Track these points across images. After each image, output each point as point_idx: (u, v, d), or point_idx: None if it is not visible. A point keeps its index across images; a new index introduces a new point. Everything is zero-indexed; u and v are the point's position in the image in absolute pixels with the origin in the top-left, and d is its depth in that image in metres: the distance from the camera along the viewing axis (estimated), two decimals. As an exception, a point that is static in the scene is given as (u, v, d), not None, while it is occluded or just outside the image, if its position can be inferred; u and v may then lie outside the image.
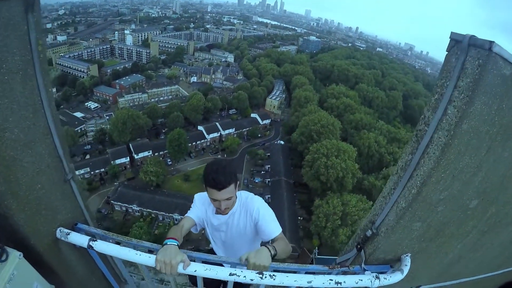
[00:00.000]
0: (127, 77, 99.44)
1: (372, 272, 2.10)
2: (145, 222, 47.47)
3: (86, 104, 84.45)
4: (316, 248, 11.00)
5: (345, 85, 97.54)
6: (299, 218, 53.99)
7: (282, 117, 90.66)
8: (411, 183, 1.87)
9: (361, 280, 2.03)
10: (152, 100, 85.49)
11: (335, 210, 43.48)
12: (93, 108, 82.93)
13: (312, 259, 10.14)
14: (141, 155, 61.88)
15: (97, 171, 57.72)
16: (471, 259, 2.73)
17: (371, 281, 2.01)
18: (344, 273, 2.46)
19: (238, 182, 2.42)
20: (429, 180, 1.78)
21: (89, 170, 56.58)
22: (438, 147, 1.69)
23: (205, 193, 2.46)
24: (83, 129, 71.55)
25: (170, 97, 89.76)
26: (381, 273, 2.15)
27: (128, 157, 60.82)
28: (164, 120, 74.43)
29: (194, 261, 2.08)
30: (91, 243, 2.03)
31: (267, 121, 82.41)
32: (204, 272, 1.90)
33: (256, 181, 62.64)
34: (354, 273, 2.31)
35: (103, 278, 2.93)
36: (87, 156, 62.47)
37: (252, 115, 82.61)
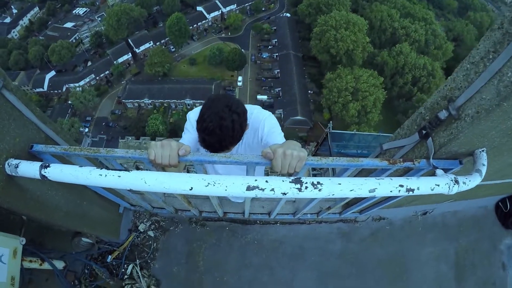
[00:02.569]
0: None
1: (449, 174, 1.52)
2: (159, 113, 49.45)
3: (73, 12, 78.44)
4: (330, 122, 10.72)
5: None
6: (310, 91, 54.17)
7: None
8: None
9: (438, 185, 1.42)
10: (143, -12, 79.11)
11: (347, 86, 43.45)
12: (82, 13, 77.52)
13: (326, 133, 9.89)
14: (142, 48, 60.39)
15: (101, 75, 57.39)
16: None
17: (449, 187, 1.43)
18: (407, 170, 1.93)
19: (244, 129, 1.73)
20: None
21: (93, 76, 56.40)
22: None
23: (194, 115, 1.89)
24: (77, 38, 68.26)
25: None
26: (458, 174, 1.54)
27: (130, 53, 59.35)
28: (159, 7, 70.14)
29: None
30: (43, 171, 1.43)
31: (270, -7, 76.53)
32: (207, 188, 1.23)
33: (264, 56, 61.56)
34: (419, 170, 1.81)
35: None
36: (89, 63, 61.08)
37: (254, -13, 76.36)
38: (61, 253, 2.74)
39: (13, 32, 70.85)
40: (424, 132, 1.74)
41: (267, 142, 1.89)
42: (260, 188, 1.19)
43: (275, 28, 66.45)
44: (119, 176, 1.29)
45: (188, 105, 51.30)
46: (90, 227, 2.67)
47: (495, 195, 3.75)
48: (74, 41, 65.87)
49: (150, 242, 3.39)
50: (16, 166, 1.54)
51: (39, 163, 1.47)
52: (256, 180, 1.20)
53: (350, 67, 48.61)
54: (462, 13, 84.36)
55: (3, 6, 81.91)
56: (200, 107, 1.70)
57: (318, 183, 1.22)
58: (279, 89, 53.03)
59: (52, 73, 57.44)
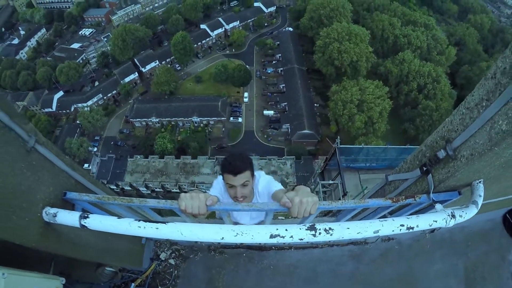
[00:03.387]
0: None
1: (446, 209, 1.72)
2: (166, 131, 49.79)
3: (80, 33, 79.99)
4: (338, 138, 10.89)
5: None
6: (316, 105, 54.23)
7: (287, 2, 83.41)
8: None
9: (436, 221, 1.63)
10: (147, 8, 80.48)
11: (352, 98, 43.49)
12: (88, 34, 78.89)
13: (334, 148, 10.03)
14: (148, 67, 61.02)
15: (109, 94, 58.08)
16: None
17: (446, 221, 1.63)
18: (405, 206, 2.14)
19: (254, 174, 2.48)
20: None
21: (101, 96, 57.05)
22: None
23: (221, 178, 2.52)
24: (84, 58, 69.46)
25: (165, 1, 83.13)
26: (454, 207, 1.75)
27: (136, 72, 60.05)
28: (164, 26, 71.37)
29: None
30: (83, 222, 1.60)
31: (272, 8, 77.02)
32: (236, 238, 1.42)
33: (269, 71, 61.92)
34: (420, 204, 2.00)
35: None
36: (96, 83, 61.92)
37: (256, 3, 76.95)
38: (88, 285, 2.85)
39: (21, 53, 72.41)
40: (424, 168, 1.98)
41: (270, 191, 2.51)
42: (281, 236, 1.38)
43: (278, 43, 66.81)
44: (157, 228, 1.44)
45: (195, 122, 51.51)
46: (117, 259, 2.87)
47: (502, 208, 3.77)
48: (81, 61, 66.97)
49: (171, 269, 3.54)
50: (55, 215, 1.69)
51: (78, 213, 1.61)
52: (277, 229, 1.39)
53: (355, 78, 48.65)
54: (462, 16, 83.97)
55: (11, 28, 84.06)
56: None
57: (330, 228, 1.41)
58: (285, 103, 53.13)
59: (60, 93, 58.26)
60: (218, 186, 2.61)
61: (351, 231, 1.42)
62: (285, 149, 47.88)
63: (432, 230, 3.74)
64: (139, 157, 44.73)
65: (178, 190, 42.75)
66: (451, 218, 1.63)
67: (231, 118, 52.50)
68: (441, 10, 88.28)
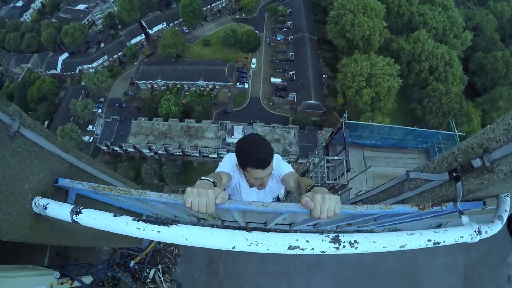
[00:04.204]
0: None
1: (473, 225, 1.56)
2: (172, 94, 49.70)
3: None
4: (346, 112, 10.74)
5: None
6: (324, 76, 53.62)
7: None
8: None
9: (462, 237, 1.49)
10: (156, -31, 78.33)
11: (361, 71, 42.91)
12: (95, -6, 78.30)
13: (341, 123, 9.90)
14: (155, 29, 60.24)
15: (115, 56, 57.60)
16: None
17: (471, 237, 1.50)
18: (432, 214, 2.02)
19: None
20: None
21: (106, 57, 56.64)
22: None
23: (233, 156, 2.38)
24: (90, 19, 68.33)
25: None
26: (478, 221, 1.62)
27: (143, 34, 59.29)
28: (173, -13, 70.19)
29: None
30: (75, 217, 1.38)
31: (286, -28, 75.36)
32: (249, 247, 1.21)
33: (278, 38, 61.00)
34: (445, 212, 1.88)
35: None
36: (102, 45, 61.28)
37: (270, -33, 75.45)
38: (87, 266, 2.72)
39: (26, 15, 71.30)
40: (454, 174, 1.78)
41: (282, 172, 2.47)
42: (301, 247, 1.19)
43: (290, 10, 65.23)
44: (159, 232, 1.24)
45: (201, 86, 51.27)
46: (115, 241, 2.66)
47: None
48: (86, 22, 65.85)
49: (172, 248, 3.45)
50: (45, 208, 1.48)
51: (70, 206, 1.41)
52: (297, 240, 1.20)
53: (367, 53, 47.78)
54: (483, 2, 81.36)
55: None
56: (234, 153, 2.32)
57: (355, 241, 1.24)
58: (293, 72, 52.51)
59: (65, 55, 57.81)
60: (230, 165, 2.45)
61: (377, 245, 1.27)
62: (290, 118, 47.88)
63: (439, 225, 3.70)
64: (143, 119, 44.79)
65: (181, 153, 43.34)
66: (477, 234, 1.51)
67: (238, 84, 52.21)
68: None
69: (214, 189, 1.43)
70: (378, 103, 43.54)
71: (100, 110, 50.90)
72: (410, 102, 48.74)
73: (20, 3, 74.43)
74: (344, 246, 1.22)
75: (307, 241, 1.19)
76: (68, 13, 68.53)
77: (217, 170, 2.38)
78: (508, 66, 53.34)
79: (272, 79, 52.92)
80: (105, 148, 45.02)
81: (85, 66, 54.70)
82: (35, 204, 1.50)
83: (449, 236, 1.44)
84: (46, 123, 49.66)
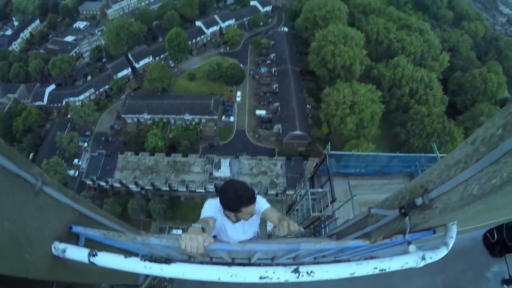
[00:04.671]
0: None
1: (418, 252, 1.90)
2: (158, 128, 49.50)
3: (74, 25, 79.26)
4: (329, 144, 10.99)
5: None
6: (308, 106, 54.51)
7: (283, 2, 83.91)
8: (495, 169, 1.40)
9: (407, 263, 1.83)
10: (142, 3, 79.93)
11: (344, 99, 43.67)
12: (83, 27, 78.39)
13: (325, 155, 10.22)
14: (141, 62, 60.77)
15: (101, 89, 57.65)
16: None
17: (416, 263, 1.84)
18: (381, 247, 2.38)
19: None
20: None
21: (93, 90, 56.57)
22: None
23: (214, 201, 3.00)
24: (77, 51, 68.93)
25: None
26: (426, 248, 1.95)
27: (130, 68, 59.76)
28: (159, 22, 71.29)
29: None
30: (92, 259, 1.74)
31: (268, 8, 77.49)
32: (230, 278, 1.64)
33: (262, 71, 62.15)
34: (394, 244, 2.22)
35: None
36: (89, 78, 61.38)
37: (252, 2, 77.39)
38: None
39: (14, 44, 71.32)
40: (403, 211, 2.16)
41: (262, 208, 3.03)
42: (269, 277, 1.59)
43: (273, 42, 66.83)
44: (161, 269, 1.62)
45: (187, 120, 51.44)
46: (117, 278, 3.05)
47: (483, 229, 3.96)
48: (74, 55, 66.22)
49: (166, 283, 3.71)
50: (64, 251, 1.81)
51: (87, 250, 1.75)
52: (266, 272, 1.60)
53: (349, 81, 48.90)
54: (457, 23, 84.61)
55: (5, 18, 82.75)
56: (213, 199, 3.00)
57: (312, 271, 1.61)
58: (277, 104, 53.25)
59: (52, 86, 57.57)
60: (212, 210, 2.99)
61: (330, 273, 1.63)
62: (276, 150, 48.10)
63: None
64: (129, 153, 44.45)
65: (168, 188, 42.84)
66: (422, 260, 1.81)
67: (223, 117, 52.50)
68: (437, 15, 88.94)
69: (203, 234, 1.87)
70: (362, 130, 44.22)
71: (86, 144, 50.43)
72: (393, 126, 49.68)
73: (9, 32, 74.98)
74: (302, 275, 1.59)
75: (274, 272, 1.58)
76: (56, 45, 69.16)
77: (202, 215, 2.88)
78: (486, 82, 55.26)
79: (257, 112, 53.61)
80: (90, 183, 44.21)
81: (71, 99, 54.35)
82: (55, 248, 1.81)
83: (394, 264, 1.77)
84: (31, 155, 48.62)
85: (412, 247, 1.95)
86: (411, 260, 1.80)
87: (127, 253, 2.27)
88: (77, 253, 1.78)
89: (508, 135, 1.31)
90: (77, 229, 2.02)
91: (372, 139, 45.66)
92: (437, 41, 61.61)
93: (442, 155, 10.89)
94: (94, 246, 1.90)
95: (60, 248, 1.81)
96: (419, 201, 1.97)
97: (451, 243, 1.92)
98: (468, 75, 57.33)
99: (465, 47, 66.55)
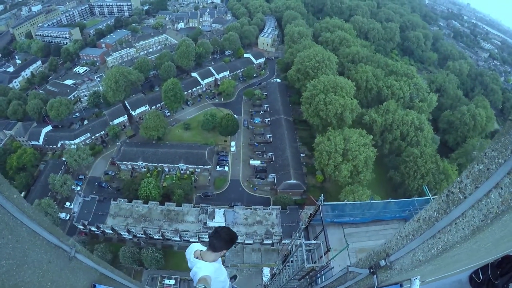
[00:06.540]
0: (111, 34, 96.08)
1: None
2: (152, 177, 49.35)
3: (74, 70, 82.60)
4: (322, 195, 11.31)
5: (339, 18, 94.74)
6: (302, 154, 55.43)
7: (276, 54, 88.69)
8: (433, 242, 1.86)
9: None
10: (141, 53, 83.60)
11: (336, 148, 44.50)
12: (82, 72, 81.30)
13: (319, 206, 10.55)
14: (138, 111, 61.97)
15: (97, 134, 58.34)
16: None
17: None
18: None
19: None
20: (451, 250, 1.72)
21: (89, 135, 57.27)
22: (469, 226, 1.57)
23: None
24: (76, 95, 70.67)
25: (159, 47, 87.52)
26: None
27: (126, 115, 60.76)
28: (156, 71, 73.71)
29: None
30: None
31: (261, 60, 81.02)
32: None
33: (256, 121, 63.55)
34: None
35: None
36: (85, 122, 62.36)
37: (245, 55, 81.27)
38: None
39: (15, 82, 73.51)
40: (371, 270, 2.68)
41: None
42: None
43: (266, 93, 69.19)
44: None
45: (182, 169, 51.49)
46: None
47: (468, 270, 4.19)
48: (72, 98, 67.82)
49: None
50: None
51: None
52: None
53: (341, 128, 50.28)
54: (442, 63, 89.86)
55: (8, 55, 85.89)
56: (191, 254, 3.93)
57: None
58: (271, 153, 54.06)
59: (49, 127, 58.28)
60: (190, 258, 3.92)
61: None
62: (271, 199, 48.24)
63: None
64: (122, 200, 44.00)
65: (161, 237, 42.09)
66: None
67: (218, 167, 52.96)
68: (422, 58, 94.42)
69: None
70: (357, 176, 44.65)
71: (79, 188, 50.06)
72: (387, 170, 50.51)
73: (11, 69, 77.26)
74: None
75: None
76: (55, 87, 70.99)
77: (201, 275, 3.40)
78: (475, 117, 57.43)
79: (252, 161, 54.18)
80: (82, 227, 43.31)
81: (67, 142, 54.82)
82: None
83: None
84: (22, 194, 47.43)
85: None
86: None
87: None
88: None
89: (441, 217, 1.77)
90: (100, 287, 2.49)
91: (368, 184, 46.08)
92: (424, 83, 64.60)
93: (434, 197, 10.60)
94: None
95: None
96: (382, 262, 2.45)
97: None
98: (457, 113, 59.89)
99: (452, 86, 70.20)
